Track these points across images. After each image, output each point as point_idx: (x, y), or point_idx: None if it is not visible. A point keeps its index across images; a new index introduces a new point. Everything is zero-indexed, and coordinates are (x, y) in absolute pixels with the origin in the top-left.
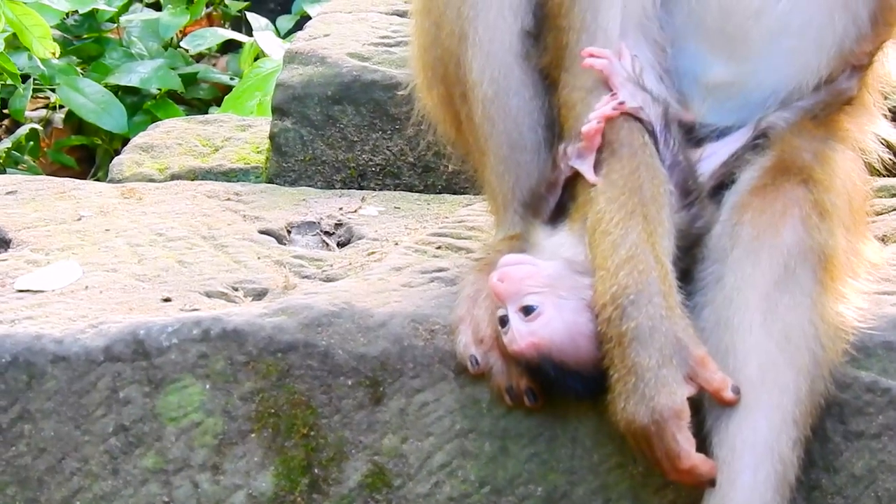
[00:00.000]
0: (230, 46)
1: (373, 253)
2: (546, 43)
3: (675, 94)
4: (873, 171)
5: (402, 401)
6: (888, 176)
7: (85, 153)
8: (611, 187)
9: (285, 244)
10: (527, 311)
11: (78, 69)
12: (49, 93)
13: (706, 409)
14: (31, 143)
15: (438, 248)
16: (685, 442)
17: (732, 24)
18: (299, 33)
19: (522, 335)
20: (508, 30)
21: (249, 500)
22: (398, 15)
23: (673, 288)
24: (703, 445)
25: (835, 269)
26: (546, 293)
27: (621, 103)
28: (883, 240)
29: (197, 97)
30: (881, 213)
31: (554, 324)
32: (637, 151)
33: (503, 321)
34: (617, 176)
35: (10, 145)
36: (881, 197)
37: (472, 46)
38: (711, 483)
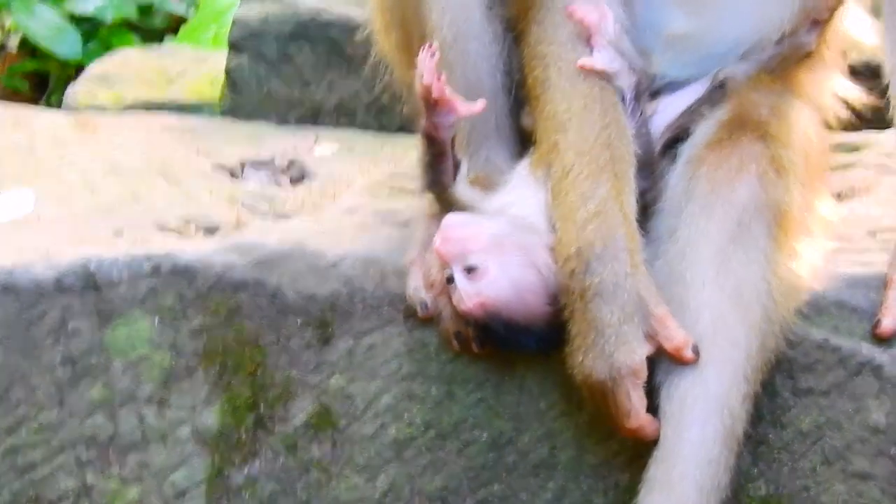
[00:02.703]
0: None
1: (326, 192)
2: None
3: (637, 47)
4: (830, 127)
5: (351, 342)
6: (846, 131)
7: (38, 79)
8: (581, 141)
9: (239, 180)
10: (471, 270)
11: None
12: (4, 18)
13: (656, 363)
14: None
15: (392, 189)
16: (637, 401)
17: None
18: None
19: (469, 295)
20: None
21: (194, 434)
22: None
23: (638, 246)
24: (652, 397)
25: (789, 226)
26: (490, 252)
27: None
28: (838, 197)
29: (152, 27)
30: (837, 170)
31: (500, 282)
32: (608, 109)
33: (450, 281)
34: (588, 130)
35: None
36: (838, 153)
37: None
38: (654, 443)
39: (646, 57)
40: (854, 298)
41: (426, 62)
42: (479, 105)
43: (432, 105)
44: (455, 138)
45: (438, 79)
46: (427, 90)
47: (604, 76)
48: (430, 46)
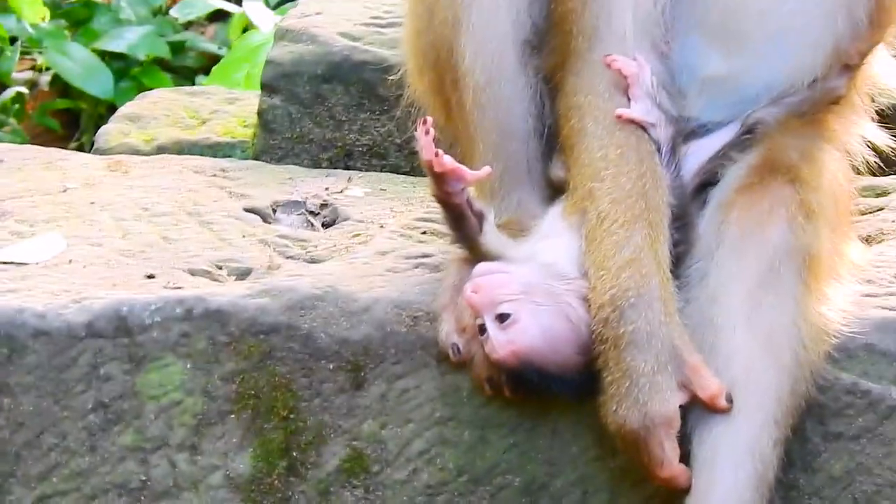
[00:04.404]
0: (219, 15)
1: (358, 235)
2: (551, 46)
3: (672, 90)
4: (858, 172)
5: (383, 386)
6: (874, 175)
7: (70, 117)
8: (617, 189)
9: (270, 223)
10: (502, 318)
11: (66, 33)
12: (36, 56)
13: (688, 408)
14: (17, 105)
15: (424, 233)
16: (671, 451)
17: (735, 21)
18: (291, 10)
19: (501, 344)
20: (502, 17)
21: (227, 480)
22: None
23: (672, 294)
24: (683, 442)
25: (819, 270)
26: (521, 300)
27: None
28: (867, 240)
29: (184, 65)
30: (865, 214)
31: (531, 330)
32: (644, 158)
33: (482, 330)
34: (624, 179)
35: None
36: (866, 197)
37: (465, 33)
38: (685, 491)
39: (680, 99)
40: (883, 342)
41: (422, 139)
42: (484, 171)
43: (438, 177)
44: (470, 200)
45: (437, 154)
46: (429, 164)
47: (641, 127)
48: (425, 122)
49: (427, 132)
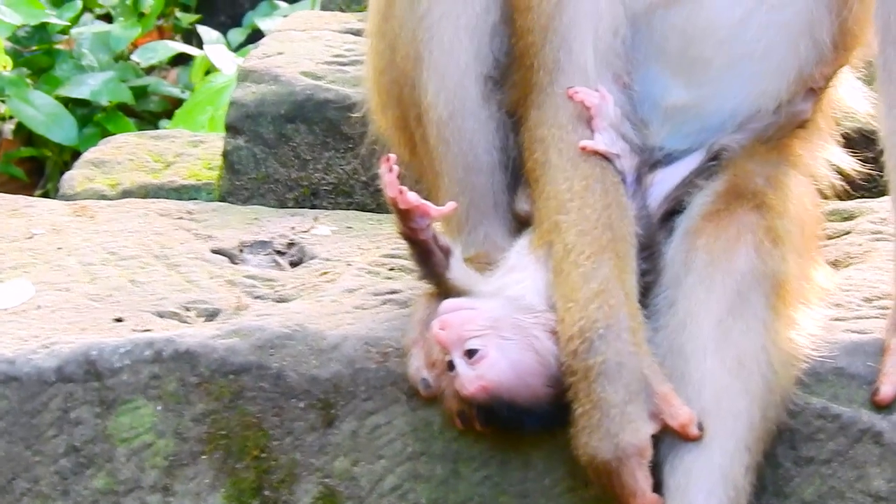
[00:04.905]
0: (181, 59)
1: (325, 273)
2: (513, 80)
3: (636, 119)
4: (825, 196)
5: (354, 423)
6: (840, 199)
7: (35, 165)
8: (583, 221)
9: (238, 264)
10: (471, 354)
11: (28, 81)
12: None
13: (659, 436)
14: None
15: (391, 269)
16: (643, 480)
17: (695, 49)
18: (253, 51)
19: (470, 380)
20: (464, 51)
21: None
22: (352, 33)
23: (641, 324)
24: (655, 471)
25: (787, 295)
26: (488, 335)
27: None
28: (834, 264)
29: (147, 110)
30: (833, 238)
31: (500, 365)
32: (609, 189)
33: (451, 367)
34: (590, 211)
35: None
36: (833, 221)
37: (427, 69)
38: None
39: (644, 129)
40: (852, 366)
41: (387, 176)
42: (449, 207)
43: (404, 214)
44: (436, 235)
45: (401, 191)
46: (394, 201)
47: (605, 158)
48: (388, 160)
49: (391, 169)
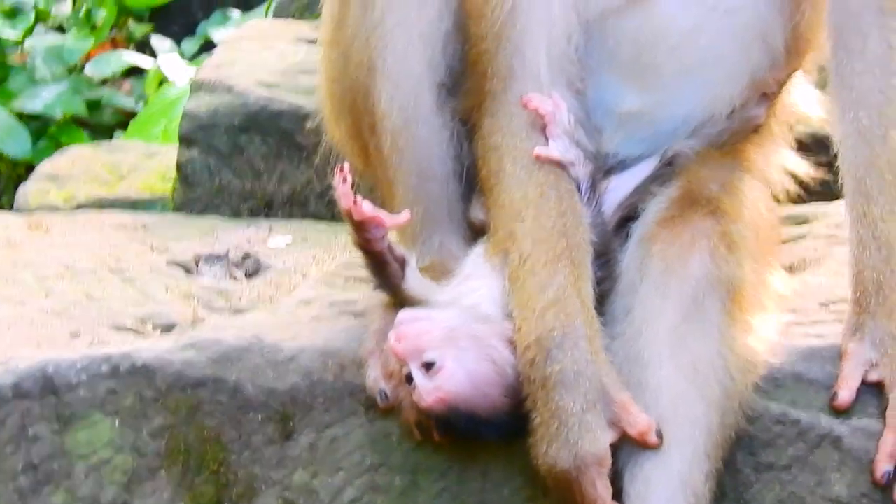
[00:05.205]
0: (135, 70)
1: (282, 285)
2: (467, 88)
3: (589, 127)
4: (779, 201)
5: (313, 435)
6: (795, 204)
7: None
8: (538, 229)
9: (193, 276)
10: (428, 366)
11: None
12: None
13: (618, 445)
14: None
15: (347, 280)
16: (603, 489)
17: (648, 56)
18: (206, 61)
19: (428, 391)
20: (417, 60)
21: None
22: (306, 42)
23: (598, 332)
24: (615, 479)
25: (743, 301)
26: (445, 346)
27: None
28: (790, 269)
29: (101, 122)
30: (788, 242)
31: (457, 376)
32: (564, 197)
33: (409, 379)
34: (545, 218)
35: None
36: (788, 226)
37: (380, 77)
38: None
39: (598, 136)
40: (810, 371)
41: (340, 187)
42: (404, 216)
43: (358, 224)
44: (391, 245)
45: (355, 202)
46: (348, 212)
47: (559, 165)
48: (342, 171)
49: (344, 180)
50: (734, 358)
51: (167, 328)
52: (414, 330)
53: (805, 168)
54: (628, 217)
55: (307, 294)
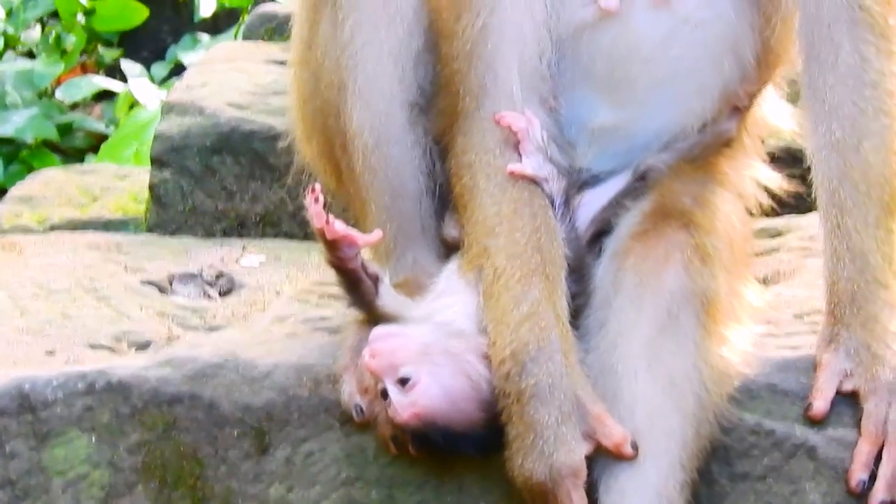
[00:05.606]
0: (105, 94)
1: (256, 303)
2: (440, 108)
3: (562, 142)
4: (752, 214)
5: (288, 450)
6: (768, 217)
7: None
8: (512, 244)
9: (168, 295)
10: (403, 382)
11: None
12: None
13: (594, 456)
14: None
15: (321, 297)
16: (579, 501)
17: (621, 70)
18: (177, 83)
19: (403, 407)
20: (388, 78)
21: None
22: (276, 63)
23: (573, 346)
24: (591, 491)
25: (717, 313)
26: (420, 362)
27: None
28: (764, 281)
29: (73, 146)
30: (762, 255)
31: (432, 391)
32: (538, 213)
33: (384, 395)
34: (519, 234)
35: None
36: (761, 238)
37: (351, 96)
38: None
39: (571, 151)
40: (785, 382)
41: (312, 207)
42: (376, 235)
43: (330, 244)
44: (364, 263)
45: (328, 221)
46: (321, 232)
47: (533, 181)
48: (314, 191)
49: (316, 200)
50: (709, 370)
51: (142, 346)
52: (388, 346)
53: (778, 181)
54: (601, 232)
55: (281, 311)
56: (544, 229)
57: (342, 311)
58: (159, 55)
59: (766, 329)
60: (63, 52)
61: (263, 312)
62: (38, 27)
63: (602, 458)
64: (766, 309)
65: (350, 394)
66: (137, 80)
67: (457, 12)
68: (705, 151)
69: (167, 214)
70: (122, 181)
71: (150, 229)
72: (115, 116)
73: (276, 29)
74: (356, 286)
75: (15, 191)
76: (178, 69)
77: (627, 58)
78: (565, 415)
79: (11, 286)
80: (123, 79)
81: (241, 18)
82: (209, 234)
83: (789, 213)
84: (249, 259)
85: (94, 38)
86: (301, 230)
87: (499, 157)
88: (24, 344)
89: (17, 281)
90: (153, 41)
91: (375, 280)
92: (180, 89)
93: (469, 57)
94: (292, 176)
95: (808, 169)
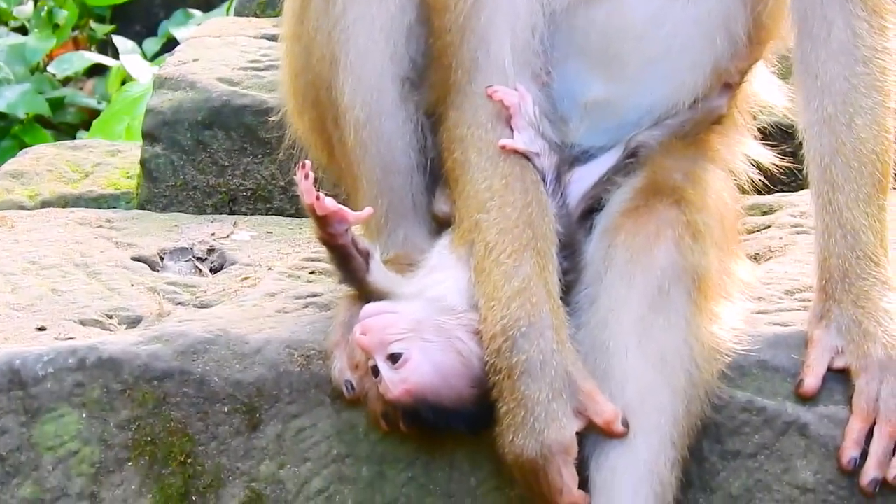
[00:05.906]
0: (97, 70)
1: (246, 278)
2: (432, 81)
3: (554, 117)
4: (744, 190)
5: (279, 427)
6: (759, 194)
7: None
8: (503, 219)
9: (158, 271)
10: (394, 359)
11: None
12: None
13: (584, 434)
14: None
15: (312, 272)
16: (569, 478)
17: (614, 46)
18: (168, 58)
19: (394, 383)
20: (380, 53)
21: None
22: (267, 38)
23: (563, 322)
24: (581, 468)
25: (708, 290)
26: (410, 338)
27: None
28: (755, 258)
29: (65, 121)
30: (753, 232)
31: (423, 368)
32: (529, 188)
33: (375, 371)
34: (510, 209)
35: None
36: (753, 215)
37: (343, 70)
38: None
39: (563, 126)
40: (776, 359)
41: (303, 183)
42: (367, 212)
43: (321, 220)
44: (355, 239)
45: (318, 197)
46: (311, 208)
47: (524, 156)
48: (304, 167)
49: (307, 176)
50: (700, 347)
51: (133, 322)
52: (379, 323)
53: (769, 157)
54: (592, 208)
55: (272, 287)
56: (536, 204)
57: (333, 287)
58: (151, 31)
59: (757, 306)
60: (55, 28)
61: (254, 288)
62: (31, 2)
63: (593, 435)
64: (757, 285)
65: (341, 370)
66: (129, 56)
67: None
68: (696, 128)
69: (158, 190)
70: (113, 157)
71: (141, 205)
72: (106, 92)
73: (267, 3)
74: (347, 262)
75: (6, 166)
76: (171, 44)
77: (621, 33)
78: (556, 391)
79: (2, 262)
80: (115, 54)
81: None
82: (200, 209)
83: (781, 189)
84: (240, 234)
85: (86, 13)
86: (292, 205)
87: (490, 132)
88: (14, 319)
89: (8, 256)
90: (145, 16)
91: (366, 256)
92: (172, 64)
93: (461, 30)
94: (284, 151)
95: (800, 145)
